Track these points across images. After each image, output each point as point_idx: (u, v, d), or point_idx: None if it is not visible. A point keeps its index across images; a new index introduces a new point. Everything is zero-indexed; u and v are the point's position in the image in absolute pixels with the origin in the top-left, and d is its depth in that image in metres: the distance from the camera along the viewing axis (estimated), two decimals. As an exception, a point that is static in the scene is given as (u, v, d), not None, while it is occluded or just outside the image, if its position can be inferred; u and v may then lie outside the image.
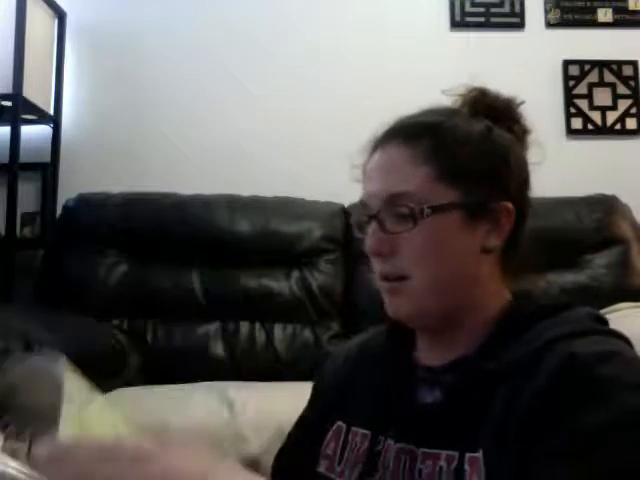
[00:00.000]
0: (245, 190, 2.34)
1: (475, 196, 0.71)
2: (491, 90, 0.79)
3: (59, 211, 2.35)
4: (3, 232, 2.24)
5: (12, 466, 0.76)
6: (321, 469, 0.79)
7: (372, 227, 0.74)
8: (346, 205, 2.33)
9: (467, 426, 0.66)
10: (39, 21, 2.39)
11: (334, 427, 0.81)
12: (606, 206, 2.29)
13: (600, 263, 2.21)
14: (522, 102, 0.79)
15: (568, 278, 2.18)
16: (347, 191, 2.77)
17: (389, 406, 0.75)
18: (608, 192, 2.32)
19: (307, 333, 2.13)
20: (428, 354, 0.77)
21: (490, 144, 0.74)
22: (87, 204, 2.28)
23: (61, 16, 2.53)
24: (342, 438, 0.79)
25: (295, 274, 2.20)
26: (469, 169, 0.72)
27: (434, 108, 0.78)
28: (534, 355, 0.64)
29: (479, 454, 0.63)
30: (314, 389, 0.91)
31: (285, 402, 1.38)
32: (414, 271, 0.72)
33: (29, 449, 1.08)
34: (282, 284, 2.18)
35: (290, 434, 0.90)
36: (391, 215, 0.72)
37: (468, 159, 0.72)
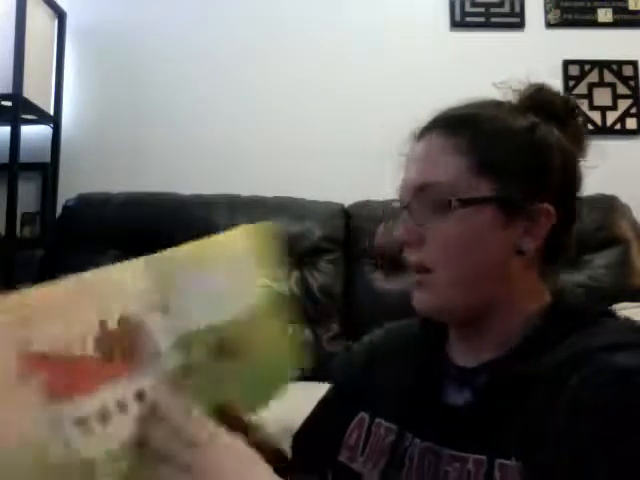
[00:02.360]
0: (245, 190, 2.34)
1: (511, 193, 0.69)
2: (550, 87, 0.76)
3: (59, 211, 2.35)
4: (3, 232, 2.24)
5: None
6: (342, 458, 0.78)
7: (403, 216, 0.72)
8: (346, 205, 2.33)
9: (496, 431, 0.64)
10: (39, 21, 2.39)
11: (357, 417, 0.79)
12: (606, 206, 2.29)
13: (600, 263, 2.21)
14: (578, 102, 0.77)
15: (568, 278, 2.18)
16: (347, 191, 2.74)
17: (417, 403, 0.74)
18: (608, 192, 2.32)
19: (307, 333, 2.14)
20: (460, 353, 0.74)
21: (532, 141, 0.71)
22: (87, 204, 2.28)
23: (61, 16, 2.53)
24: (365, 429, 0.78)
25: (295, 274, 2.20)
26: (506, 164, 0.70)
27: (478, 100, 0.76)
28: (572, 363, 0.62)
29: (512, 462, 0.61)
30: (335, 379, 0.90)
31: (286, 402, 1.38)
32: (438, 264, 0.70)
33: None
34: (282, 284, 2.18)
35: (311, 418, 0.88)
36: (422, 205, 0.70)
37: (506, 153, 0.70)
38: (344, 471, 0.78)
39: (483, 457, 0.64)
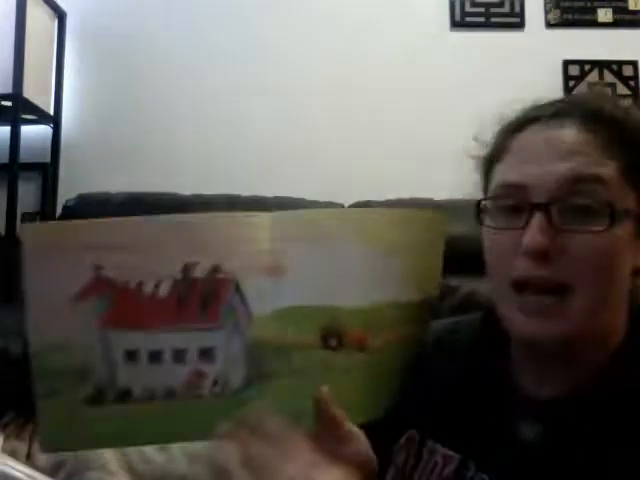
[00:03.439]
0: (245, 190, 2.34)
1: None
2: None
3: (59, 211, 2.35)
4: (3, 232, 2.24)
5: (11, 466, 0.76)
6: (389, 478, 0.70)
7: (538, 219, 0.58)
8: (346, 205, 2.32)
9: (574, 469, 0.58)
10: (39, 21, 2.39)
11: (407, 434, 0.70)
12: (606, 206, 2.29)
13: (600, 263, 2.21)
14: None
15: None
16: (347, 191, 2.74)
17: (483, 433, 0.65)
18: (608, 192, 2.32)
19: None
20: (535, 379, 0.65)
21: None
22: (87, 204, 2.28)
23: (61, 16, 2.53)
24: (414, 450, 0.69)
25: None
26: None
27: (601, 92, 0.71)
28: None
29: None
30: None
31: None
32: (581, 282, 0.58)
33: (29, 449, 1.08)
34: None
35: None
36: (567, 206, 0.58)
37: None
38: None
39: None
